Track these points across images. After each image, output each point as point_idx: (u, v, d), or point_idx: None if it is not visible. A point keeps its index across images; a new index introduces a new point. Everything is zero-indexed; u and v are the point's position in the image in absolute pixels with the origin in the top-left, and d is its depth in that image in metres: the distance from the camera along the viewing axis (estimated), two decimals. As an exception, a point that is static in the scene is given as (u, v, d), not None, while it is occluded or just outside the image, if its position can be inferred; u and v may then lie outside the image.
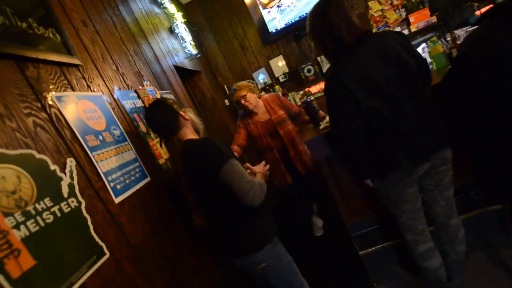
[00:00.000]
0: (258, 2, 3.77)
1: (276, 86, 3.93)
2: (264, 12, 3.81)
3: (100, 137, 1.13)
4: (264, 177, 1.39)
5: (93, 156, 1.05)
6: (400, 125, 1.22)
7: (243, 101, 2.26)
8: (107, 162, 1.12)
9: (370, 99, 1.21)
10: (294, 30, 3.85)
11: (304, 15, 3.79)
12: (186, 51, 2.81)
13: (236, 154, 2.36)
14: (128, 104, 1.44)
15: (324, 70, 3.89)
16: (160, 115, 1.29)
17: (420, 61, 1.31)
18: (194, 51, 2.95)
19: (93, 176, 1.03)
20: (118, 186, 1.11)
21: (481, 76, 1.23)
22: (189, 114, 1.39)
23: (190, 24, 3.84)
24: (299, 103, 3.67)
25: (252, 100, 2.28)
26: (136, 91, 1.58)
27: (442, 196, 1.40)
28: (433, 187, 1.39)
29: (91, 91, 1.22)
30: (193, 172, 1.25)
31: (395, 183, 1.32)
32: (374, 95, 1.21)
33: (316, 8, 1.33)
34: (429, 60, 2.25)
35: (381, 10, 3.62)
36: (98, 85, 1.28)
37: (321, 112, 2.15)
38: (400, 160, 1.24)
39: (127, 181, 1.18)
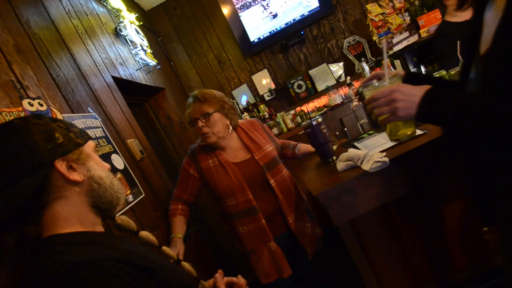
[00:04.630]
0: (235, 5, 3.14)
1: (261, 106, 3.24)
2: (243, 18, 3.17)
3: None
4: None
5: None
6: None
7: (200, 123, 1.33)
8: None
9: None
10: (280, 39, 3.22)
11: (291, 21, 3.19)
12: (138, 59, 2.07)
13: (182, 220, 1.38)
14: None
15: (318, 85, 3.25)
16: None
17: None
18: (152, 61, 2.22)
19: None
20: None
21: None
22: (90, 165, 0.63)
23: (154, 34, 3.15)
24: (290, 125, 2.97)
25: (218, 127, 1.35)
26: (-10, 116, 0.81)
27: None
28: None
29: None
30: None
31: None
32: None
33: None
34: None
35: (382, 14, 3.06)
36: None
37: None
38: None
39: None
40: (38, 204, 0.55)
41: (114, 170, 1.26)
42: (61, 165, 0.57)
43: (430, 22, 2.79)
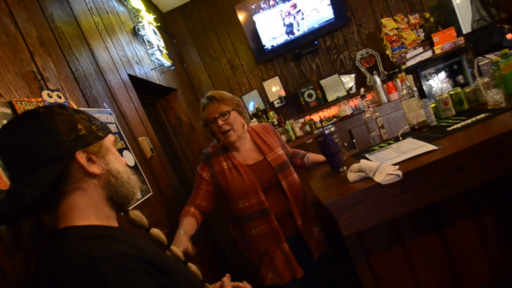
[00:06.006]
0: (251, 12, 3.17)
1: (271, 112, 3.24)
2: (258, 25, 3.19)
3: None
4: None
5: None
6: None
7: (221, 122, 1.34)
8: None
9: None
10: (293, 47, 3.24)
11: (306, 31, 3.21)
12: (154, 59, 2.10)
13: (192, 221, 1.30)
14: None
15: (328, 95, 3.25)
16: (14, 148, 0.53)
17: None
18: (167, 62, 2.24)
19: None
20: None
21: None
22: (109, 159, 0.63)
23: (170, 36, 3.19)
24: (299, 133, 2.96)
25: (237, 124, 1.38)
26: (11, 104, 0.82)
27: None
28: None
29: None
30: None
31: None
32: None
33: None
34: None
35: (397, 29, 3.07)
36: None
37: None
38: None
39: None
40: (56, 193, 0.55)
41: (124, 166, 1.26)
42: (81, 157, 0.57)
43: (444, 39, 2.79)
